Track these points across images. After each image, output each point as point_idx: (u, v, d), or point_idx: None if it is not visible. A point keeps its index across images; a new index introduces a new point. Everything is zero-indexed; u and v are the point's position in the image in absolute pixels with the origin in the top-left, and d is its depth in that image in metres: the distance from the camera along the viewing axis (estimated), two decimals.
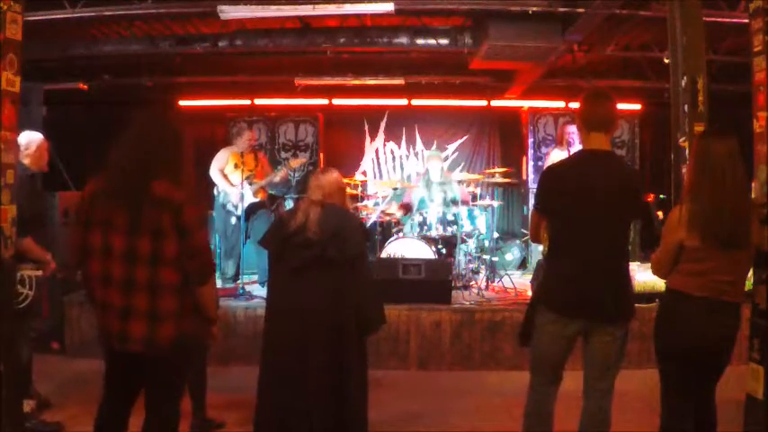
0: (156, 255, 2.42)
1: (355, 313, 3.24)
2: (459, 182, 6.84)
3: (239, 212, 6.33)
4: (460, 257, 6.56)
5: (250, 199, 6.39)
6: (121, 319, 2.44)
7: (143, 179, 2.45)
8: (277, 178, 6.65)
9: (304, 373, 3.17)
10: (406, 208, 7.20)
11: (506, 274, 6.76)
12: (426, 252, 6.24)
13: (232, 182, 6.42)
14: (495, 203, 7.56)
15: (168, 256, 2.43)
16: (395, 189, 7.29)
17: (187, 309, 2.49)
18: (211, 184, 6.59)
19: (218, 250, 6.70)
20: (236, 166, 6.36)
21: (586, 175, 2.78)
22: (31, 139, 4.00)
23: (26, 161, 3.92)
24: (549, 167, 3.11)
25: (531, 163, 9.02)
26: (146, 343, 2.44)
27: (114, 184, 2.49)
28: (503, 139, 9.62)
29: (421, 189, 7.14)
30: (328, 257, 3.17)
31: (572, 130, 6.54)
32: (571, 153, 5.80)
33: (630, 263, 3.15)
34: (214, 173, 6.50)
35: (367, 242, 3.51)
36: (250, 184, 6.36)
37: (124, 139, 2.56)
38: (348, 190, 7.44)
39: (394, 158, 9.50)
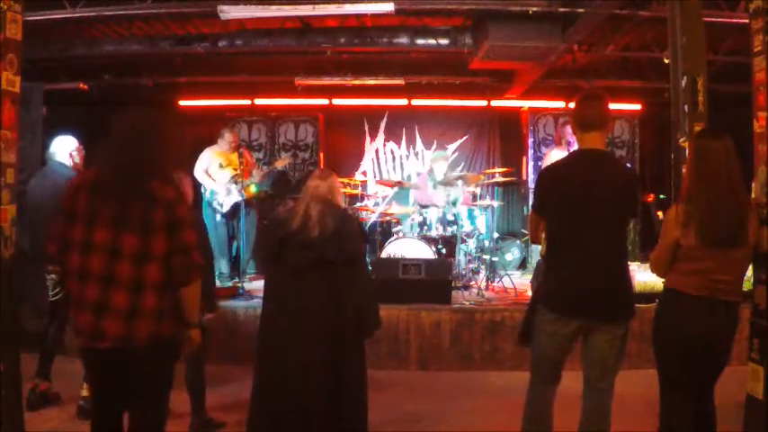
0: (143, 251, 2.38)
1: (354, 315, 3.24)
2: (459, 178, 6.82)
3: (224, 210, 6.62)
4: (460, 257, 6.55)
5: (237, 197, 6.60)
6: (95, 314, 2.36)
7: (136, 176, 2.43)
8: (257, 178, 6.89)
9: (300, 373, 3.17)
10: (424, 206, 7.21)
11: (506, 274, 6.75)
12: (426, 252, 6.24)
13: (218, 180, 6.60)
14: (495, 203, 7.56)
15: (156, 252, 2.39)
16: (400, 188, 7.29)
17: (167, 309, 2.43)
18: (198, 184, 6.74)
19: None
20: (220, 165, 6.64)
21: (582, 174, 2.80)
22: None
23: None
24: (546, 168, 3.13)
25: (531, 163, 9.01)
26: (120, 340, 2.36)
27: (105, 179, 2.46)
28: (503, 139, 9.60)
29: (430, 188, 7.16)
30: (327, 258, 3.17)
31: (571, 130, 6.53)
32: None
33: (630, 263, 3.15)
34: (199, 173, 6.72)
35: (365, 243, 3.51)
36: (236, 182, 6.56)
37: (117, 135, 2.54)
38: (348, 190, 7.50)
39: (394, 158, 9.49)
